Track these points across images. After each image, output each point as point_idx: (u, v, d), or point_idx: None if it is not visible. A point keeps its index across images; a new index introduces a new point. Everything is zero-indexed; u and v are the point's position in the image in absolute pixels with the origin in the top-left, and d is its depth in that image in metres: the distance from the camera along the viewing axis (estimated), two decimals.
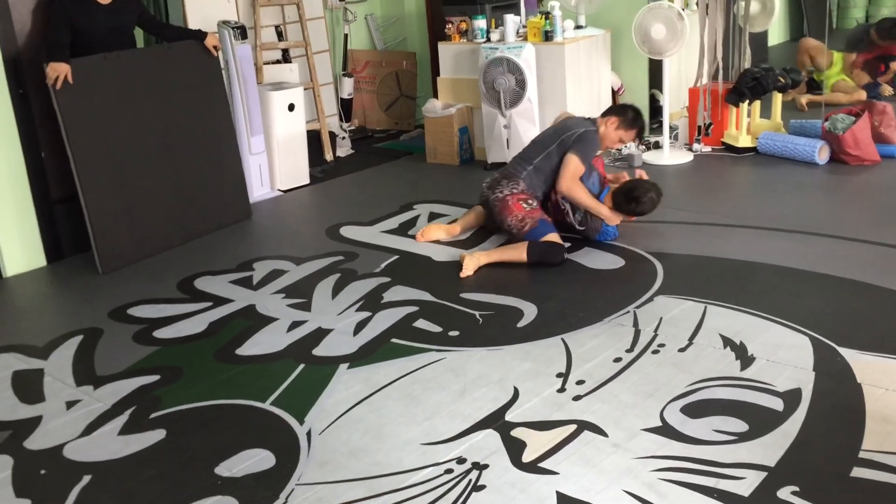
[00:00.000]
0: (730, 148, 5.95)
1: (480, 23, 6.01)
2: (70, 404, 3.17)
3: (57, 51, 4.39)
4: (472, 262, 4.16)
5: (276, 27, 6.55)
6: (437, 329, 3.58)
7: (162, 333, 3.75)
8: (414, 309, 3.78)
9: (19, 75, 4.54)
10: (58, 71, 4.31)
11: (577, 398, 2.95)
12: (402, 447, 2.73)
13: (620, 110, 4.67)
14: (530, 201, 4.37)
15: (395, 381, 3.16)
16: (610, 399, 2.92)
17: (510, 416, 2.86)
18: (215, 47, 5.10)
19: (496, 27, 6.01)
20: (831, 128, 5.46)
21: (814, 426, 2.68)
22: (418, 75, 7.51)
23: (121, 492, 2.62)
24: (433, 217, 5.03)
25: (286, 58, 6.49)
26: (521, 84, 5.63)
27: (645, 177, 4.62)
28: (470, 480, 2.53)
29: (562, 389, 3.01)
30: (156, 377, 3.34)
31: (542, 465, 2.58)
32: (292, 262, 4.48)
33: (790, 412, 2.75)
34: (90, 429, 2.99)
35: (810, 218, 4.54)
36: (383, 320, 3.69)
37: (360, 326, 3.64)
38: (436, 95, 6.47)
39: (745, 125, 5.92)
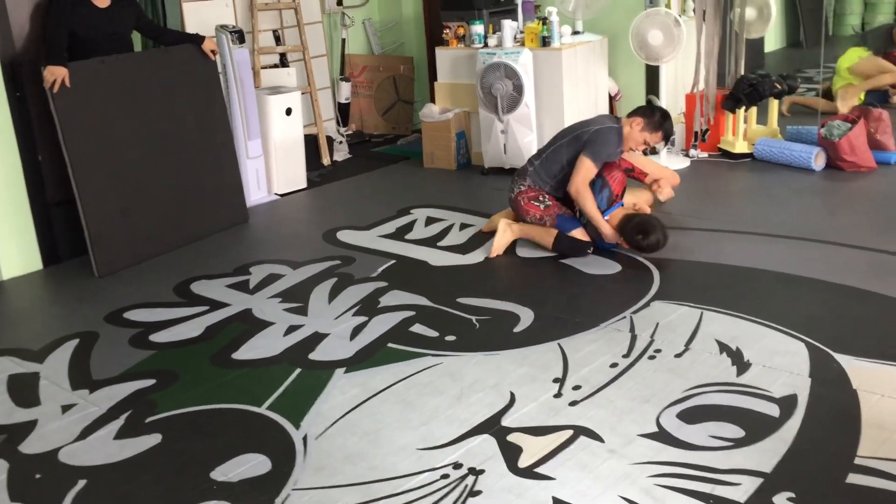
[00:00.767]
0: (726, 154, 5.96)
1: (478, 28, 6.02)
2: (65, 408, 3.16)
3: (55, 54, 4.40)
4: (504, 238, 4.39)
5: (274, 31, 6.56)
6: (433, 334, 3.58)
7: (158, 337, 3.75)
8: (411, 313, 3.78)
9: (17, 79, 4.54)
10: (55, 74, 4.31)
11: (573, 403, 2.95)
12: (398, 452, 2.73)
13: (647, 111, 4.52)
14: (541, 198, 4.39)
15: (391, 386, 3.15)
16: (606, 404, 2.92)
17: (506, 422, 2.86)
18: (213, 51, 5.10)
19: (494, 32, 6.02)
20: (827, 134, 5.47)
21: (810, 432, 2.68)
22: (416, 80, 7.51)
23: (116, 496, 2.61)
24: (430, 222, 5.03)
25: (284, 62, 6.49)
26: (519, 89, 5.64)
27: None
28: (466, 486, 2.53)
29: (558, 395, 3.01)
30: (152, 381, 3.34)
31: (539, 470, 2.58)
32: (289, 267, 4.48)
33: (786, 418, 2.75)
34: (86, 433, 2.98)
35: (806, 224, 4.55)
36: (380, 325, 3.68)
37: (356, 331, 3.64)
38: (433, 100, 6.48)
39: (742, 131, 5.93)
